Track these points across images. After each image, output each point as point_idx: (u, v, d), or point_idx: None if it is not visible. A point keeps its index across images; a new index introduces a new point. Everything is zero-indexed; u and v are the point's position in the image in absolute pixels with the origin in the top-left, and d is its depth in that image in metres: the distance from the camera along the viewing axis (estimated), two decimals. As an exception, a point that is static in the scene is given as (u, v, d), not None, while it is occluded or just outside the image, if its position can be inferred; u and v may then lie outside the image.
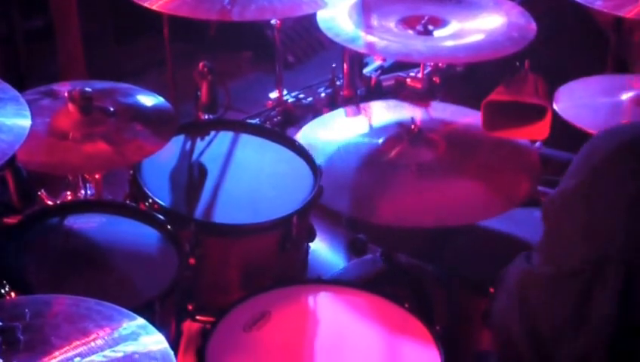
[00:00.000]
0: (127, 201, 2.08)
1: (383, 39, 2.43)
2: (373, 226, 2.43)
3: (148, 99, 2.14)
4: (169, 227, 1.89)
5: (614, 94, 2.31)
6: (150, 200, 2.00)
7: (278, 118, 2.83)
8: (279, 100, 2.85)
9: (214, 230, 1.97)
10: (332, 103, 2.89)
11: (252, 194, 2.08)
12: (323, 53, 4.44)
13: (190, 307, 1.97)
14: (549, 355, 1.29)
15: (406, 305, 1.92)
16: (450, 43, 2.45)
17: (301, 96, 2.87)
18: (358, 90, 2.89)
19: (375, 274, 2.41)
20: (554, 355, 1.29)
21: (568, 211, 1.33)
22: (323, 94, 2.90)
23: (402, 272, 2.44)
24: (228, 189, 2.08)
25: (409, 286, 2.42)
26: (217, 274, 2.03)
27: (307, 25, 4.18)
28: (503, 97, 2.29)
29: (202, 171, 2.12)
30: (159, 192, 2.01)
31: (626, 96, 2.28)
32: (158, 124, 2.02)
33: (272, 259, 2.05)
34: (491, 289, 2.20)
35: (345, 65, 2.85)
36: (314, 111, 2.85)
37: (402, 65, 3.04)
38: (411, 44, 2.41)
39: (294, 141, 2.23)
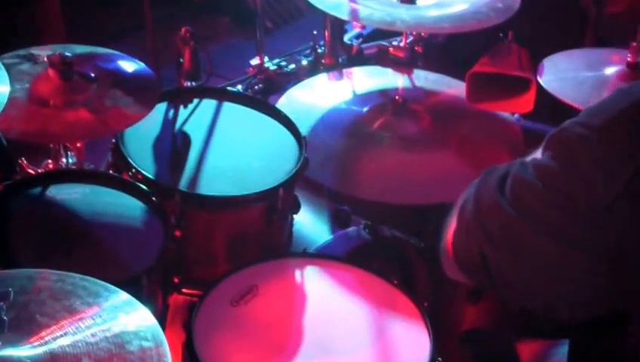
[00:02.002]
0: (110, 171, 2.05)
1: (367, 7, 2.40)
2: (357, 199, 2.42)
3: (129, 65, 2.09)
4: (154, 198, 1.86)
5: (598, 68, 2.30)
6: (133, 170, 1.96)
7: (260, 85, 2.81)
8: (261, 67, 2.82)
9: (200, 202, 1.94)
10: (313, 71, 2.86)
11: (237, 165, 2.05)
12: (301, 19, 4.41)
13: (176, 280, 1.94)
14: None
15: (394, 282, 1.92)
16: (434, 12, 2.43)
17: (283, 63, 2.84)
18: (340, 58, 2.87)
19: (360, 247, 2.40)
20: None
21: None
22: (304, 62, 2.88)
23: (386, 245, 2.45)
24: (212, 160, 2.05)
25: (392, 260, 2.43)
26: (203, 247, 2.00)
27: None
28: (487, 69, 2.28)
29: (186, 141, 2.08)
30: (143, 162, 1.97)
31: (610, 70, 2.28)
32: (141, 91, 1.97)
33: (257, 232, 2.03)
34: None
35: (326, 33, 2.82)
36: (295, 78, 2.83)
37: (382, 32, 3.02)
38: (395, 12, 2.39)
39: (279, 111, 2.20)
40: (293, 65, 2.86)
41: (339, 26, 2.81)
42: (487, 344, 2.06)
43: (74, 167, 2.13)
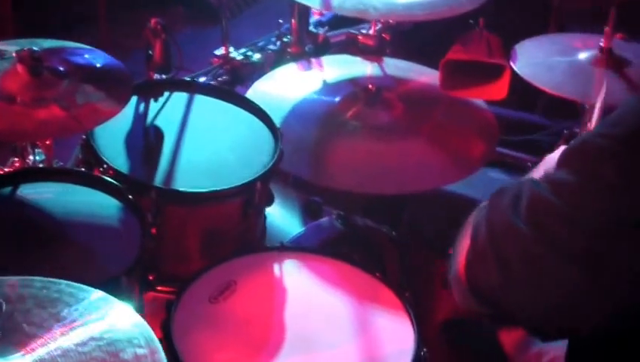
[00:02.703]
0: (79, 167, 1.99)
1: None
2: (328, 189, 2.40)
3: (98, 59, 2.02)
4: (130, 196, 1.81)
5: (571, 54, 2.31)
6: (105, 166, 1.90)
7: (225, 76, 2.76)
8: (226, 57, 2.77)
9: (176, 198, 1.89)
10: (280, 60, 2.82)
11: (212, 158, 2.01)
12: (256, 7, 4.36)
13: (151, 277, 1.90)
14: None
15: (377, 274, 1.90)
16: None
17: (249, 53, 2.79)
18: (307, 47, 2.83)
19: (333, 238, 2.38)
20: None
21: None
22: (270, 51, 2.84)
23: (359, 235, 2.43)
24: (186, 154, 2.00)
25: (365, 250, 2.42)
26: (178, 243, 1.96)
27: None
28: (461, 56, 2.26)
29: (158, 135, 2.03)
30: (115, 158, 1.91)
31: (583, 55, 2.29)
32: (112, 86, 1.91)
33: (233, 226, 1.99)
34: (450, 251, 2.22)
35: (293, 21, 2.79)
36: (262, 68, 2.79)
37: (343, 19, 2.99)
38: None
39: (253, 103, 2.15)
40: (259, 55, 2.83)
41: (305, 14, 2.78)
42: (468, 333, 2.06)
43: (42, 164, 2.07)
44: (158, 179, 1.92)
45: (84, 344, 1.16)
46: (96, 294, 1.28)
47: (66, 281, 1.29)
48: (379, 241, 2.44)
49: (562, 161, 1.19)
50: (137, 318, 1.26)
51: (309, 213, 2.45)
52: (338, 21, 3.08)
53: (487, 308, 1.24)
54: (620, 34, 2.23)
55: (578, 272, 1.13)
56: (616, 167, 1.12)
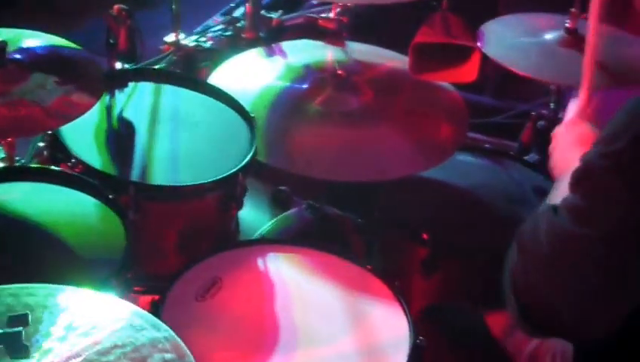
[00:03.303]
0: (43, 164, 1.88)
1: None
2: (297, 177, 2.34)
3: (62, 48, 1.91)
4: (108, 193, 1.72)
5: (537, 34, 2.30)
6: (73, 161, 1.80)
7: (178, 63, 2.66)
8: (177, 44, 2.67)
9: (156, 193, 1.81)
10: (234, 46, 2.74)
11: (188, 151, 1.94)
12: None
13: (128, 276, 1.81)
14: (587, 316, 1.25)
15: (368, 267, 1.86)
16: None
17: (202, 39, 2.70)
18: (261, 33, 2.76)
19: (305, 228, 2.33)
20: (591, 317, 1.24)
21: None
22: (223, 37, 2.76)
23: (329, 224, 2.38)
24: (160, 147, 1.92)
25: (336, 239, 2.38)
26: (156, 241, 1.87)
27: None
28: (430, 39, 2.23)
29: (129, 127, 1.93)
30: (87, 153, 1.82)
31: (549, 36, 2.29)
32: (82, 77, 1.81)
33: (213, 221, 1.92)
34: (425, 236, 2.19)
35: (247, 6, 2.71)
36: (215, 55, 2.70)
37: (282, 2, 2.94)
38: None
39: (224, 91, 2.08)
40: (211, 42, 2.74)
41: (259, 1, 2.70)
42: (453, 318, 2.04)
43: (2, 163, 1.95)
44: (135, 174, 1.83)
45: (107, 352, 1.09)
46: (109, 298, 1.21)
47: (71, 287, 1.21)
48: (346, 230, 2.41)
49: (574, 186, 1.25)
50: (155, 321, 1.20)
51: (277, 203, 2.39)
52: (285, 3, 3.04)
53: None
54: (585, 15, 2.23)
55: (599, 282, 1.19)
56: (625, 184, 1.18)
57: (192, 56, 2.66)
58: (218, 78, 2.32)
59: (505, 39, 2.28)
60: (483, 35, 2.28)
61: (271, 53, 2.46)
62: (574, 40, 2.24)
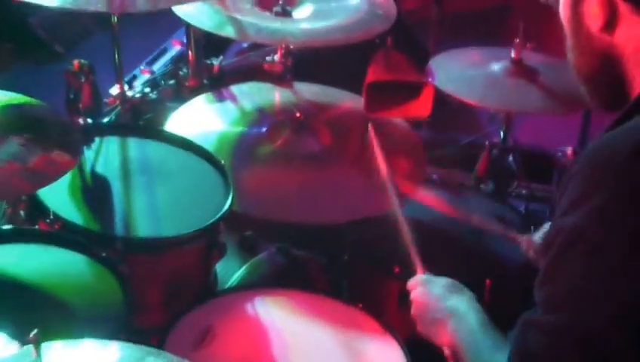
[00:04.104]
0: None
1: (248, 23, 2.33)
2: (260, 222, 2.35)
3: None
4: (101, 252, 1.69)
5: (484, 66, 2.40)
6: (51, 218, 1.76)
7: (126, 115, 2.63)
8: (123, 96, 2.64)
9: (143, 246, 1.79)
10: (178, 95, 2.74)
11: (165, 202, 1.92)
12: (91, 39, 4.22)
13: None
14: None
15: (359, 305, 1.88)
16: (311, 24, 2.41)
17: (146, 90, 2.68)
18: (204, 79, 2.77)
19: (279, 271, 2.33)
20: None
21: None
22: (167, 87, 2.75)
23: (299, 266, 2.39)
24: (138, 200, 1.90)
25: (309, 281, 2.39)
26: (141, 293, 1.82)
27: (69, 12, 3.94)
28: (382, 77, 2.29)
29: (104, 183, 1.90)
30: (66, 211, 1.78)
31: (496, 67, 2.39)
32: (56, 134, 1.77)
33: (195, 270, 1.91)
34: (396, 269, 2.22)
35: (190, 54, 2.71)
36: (161, 104, 2.69)
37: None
38: (283, 27, 2.35)
39: (190, 140, 2.08)
40: (156, 92, 2.72)
41: (202, 45, 2.71)
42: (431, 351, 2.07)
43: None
44: (119, 229, 1.81)
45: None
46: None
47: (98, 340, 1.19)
48: (313, 271, 2.42)
49: (564, 253, 1.21)
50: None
51: (245, 249, 2.38)
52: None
53: None
54: (530, 44, 2.34)
55: None
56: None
57: (139, 107, 2.64)
58: (172, 127, 2.33)
59: (454, 72, 2.38)
60: (432, 69, 2.37)
61: (221, 99, 2.47)
62: (519, 69, 2.36)
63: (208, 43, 3.04)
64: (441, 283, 1.62)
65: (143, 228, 1.82)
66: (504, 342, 1.39)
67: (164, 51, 3.32)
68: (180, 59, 3.10)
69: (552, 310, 1.21)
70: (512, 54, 2.34)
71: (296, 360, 1.74)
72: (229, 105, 2.44)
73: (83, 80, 1.94)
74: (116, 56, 2.58)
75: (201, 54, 2.71)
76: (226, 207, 1.88)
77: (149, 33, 3.42)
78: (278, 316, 1.84)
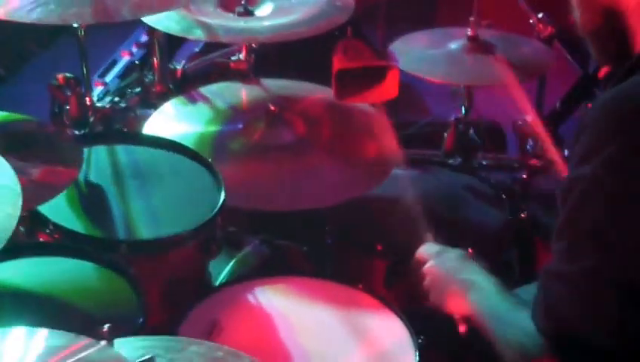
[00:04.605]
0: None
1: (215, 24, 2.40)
2: (245, 216, 2.41)
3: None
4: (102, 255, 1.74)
5: (443, 45, 2.51)
6: (51, 228, 1.81)
7: (99, 126, 2.67)
8: (94, 107, 2.67)
9: (146, 247, 1.85)
10: (145, 102, 2.78)
11: (161, 202, 1.98)
12: (34, 61, 4.22)
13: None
14: None
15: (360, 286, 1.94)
16: (274, 21, 2.47)
17: (116, 99, 2.72)
18: (170, 84, 2.82)
19: (266, 263, 2.40)
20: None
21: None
22: (134, 94, 2.79)
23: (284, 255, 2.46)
24: (135, 203, 1.96)
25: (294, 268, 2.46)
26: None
27: (10, 33, 3.94)
28: (351, 64, 2.37)
29: (98, 190, 1.96)
30: (66, 221, 1.83)
31: (454, 45, 2.50)
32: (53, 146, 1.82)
33: (195, 266, 1.97)
34: (379, 247, 2.31)
35: (155, 60, 2.75)
36: (130, 112, 2.73)
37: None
38: (240, 26, 2.42)
39: (175, 142, 2.14)
40: (124, 100, 2.76)
41: (167, 51, 2.76)
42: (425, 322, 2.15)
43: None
44: (121, 233, 1.86)
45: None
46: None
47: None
48: (296, 259, 2.50)
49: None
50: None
51: (230, 245, 2.44)
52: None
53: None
54: (486, 21, 2.46)
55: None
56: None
57: (109, 117, 2.68)
58: (151, 130, 2.38)
59: (415, 54, 2.48)
60: (393, 52, 2.46)
61: (193, 101, 2.53)
62: (477, 46, 2.47)
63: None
64: (454, 254, 1.68)
65: (144, 230, 1.88)
66: (523, 303, 1.44)
67: (114, 63, 3.36)
68: (131, 69, 3.16)
69: (575, 258, 1.27)
70: (469, 32, 2.45)
71: (306, 342, 1.81)
72: (201, 106, 2.50)
73: (69, 93, 1.97)
74: (84, 68, 2.62)
75: (165, 60, 2.76)
76: (221, 200, 1.95)
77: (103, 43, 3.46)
78: (279, 302, 1.91)
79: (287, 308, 1.90)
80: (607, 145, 1.23)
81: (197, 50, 3.30)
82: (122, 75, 3.21)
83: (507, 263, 2.34)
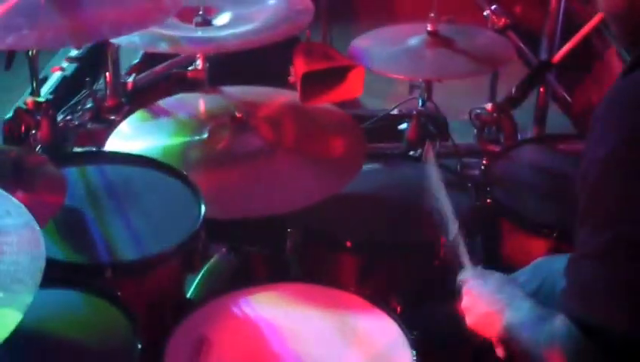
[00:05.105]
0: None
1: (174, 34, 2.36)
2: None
3: None
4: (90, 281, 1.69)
5: (403, 41, 2.50)
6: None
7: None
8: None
9: (131, 269, 1.80)
10: (97, 117, 2.72)
11: (141, 221, 1.92)
12: None
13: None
14: None
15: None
16: (234, 29, 2.43)
17: (68, 117, 2.65)
18: (122, 98, 2.76)
19: (236, 271, 2.37)
20: None
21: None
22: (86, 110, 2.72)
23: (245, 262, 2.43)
24: (115, 224, 1.90)
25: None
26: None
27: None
28: (315, 67, 2.36)
29: (75, 213, 1.89)
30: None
31: (414, 41, 2.49)
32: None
33: (178, 282, 1.94)
34: (348, 243, 2.30)
35: (107, 74, 2.70)
36: (83, 129, 2.67)
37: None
38: (204, 36, 2.38)
39: (147, 158, 2.10)
40: (71, 117, 2.70)
41: (119, 65, 2.70)
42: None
43: None
44: (103, 257, 1.81)
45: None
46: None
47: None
48: (257, 265, 2.48)
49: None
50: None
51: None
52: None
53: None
54: (446, 17, 2.47)
55: None
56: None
57: (63, 134, 2.60)
58: (114, 148, 2.33)
59: (376, 51, 2.47)
60: (354, 51, 2.46)
61: (154, 115, 2.48)
62: (437, 40, 2.48)
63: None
64: (493, 276, 1.65)
65: (127, 251, 1.83)
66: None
67: (45, 79, 3.27)
68: (64, 84, 3.10)
69: (600, 233, 1.28)
70: (429, 27, 2.45)
71: (299, 349, 1.78)
72: (163, 119, 2.45)
73: (39, 116, 1.91)
74: (34, 85, 2.56)
75: (118, 73, 2.71)
76: (202, 213, 1.91)
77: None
78: (267, 311, 1.87)
79: (275, 315, 1.86)
80: (621, 128, 1.27)
81: (137, 61, 3.25)
82: (54, 92, 3.13)
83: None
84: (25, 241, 1.22)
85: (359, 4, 4.08)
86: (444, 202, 1.82)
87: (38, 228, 1.26)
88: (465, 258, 1.77)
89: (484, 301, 1.60)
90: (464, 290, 1.67)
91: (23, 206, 1.29)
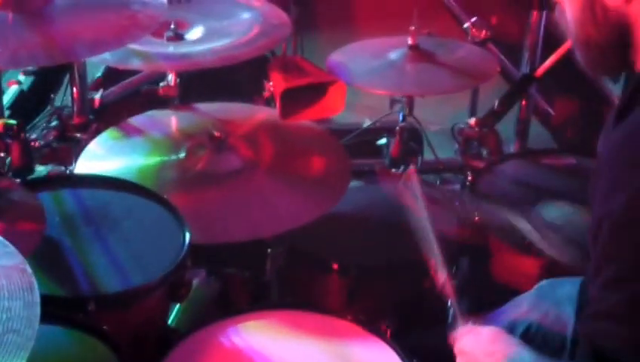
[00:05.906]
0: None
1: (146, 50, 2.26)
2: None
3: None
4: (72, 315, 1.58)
5: (383, 55, 2.44)
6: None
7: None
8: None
9: (117, 301, 1.69)
10: (64, 136, 2.60)
11: (122, 248, 1.81)
12: None
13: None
14: None
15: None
16: (207, 44, 2.34)
17: (33, 137, 2.52)
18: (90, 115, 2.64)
19: (218, 294, 2.27)
20: None
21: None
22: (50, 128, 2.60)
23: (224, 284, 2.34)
24: (95, 253, 1.79)
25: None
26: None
27: None
28: (295, 83, 2.28)
29: (52, 243, 1.77)
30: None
31: (394, 55, 2.43)
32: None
33: (162, 312, 1.84)
34: (335, 266, 2.23)
35: (75, 91, 2.57)
36: (49, 149, 2.54)
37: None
38: (178, 51, 2.29)
39: (125, 181, 1.98)
40: (35, 137, 2.56)
41: (86, 81, 2.58)
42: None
43: None
44: (85, 289, 1.69)
45: None
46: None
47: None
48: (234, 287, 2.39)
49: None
50: None
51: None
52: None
53: None
54: (426, 31, 2.41)
55: None
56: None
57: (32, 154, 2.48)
58: (84, 169, 2.21)
59: (356, 65, 2.40)
60: (333, 66, 2.38)
61: (126, 133, 2.37)
62: (417, 53, 2.42)
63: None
64: (484, 331, 1.59)
65: (110, 282, 1.72)
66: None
67: None
68: (21, 99, 2.98)
69: (617, 289, 1.24)
70: (409, 41, 2.39)
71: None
72: (136, 138, 2.35)
73: (10, 140, 1.79)
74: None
75: (85, 90, 2.59)
76: (187, 240, 1.81)
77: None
78: (256, 340, 1.79)
79: (266, 345, 1.77)
80: (635, 177, 1.21)
81: (99, 75, 3.13)
82: (11, 107, 3.00)
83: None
84: (16, 284, 1.11)
85: (319, 14, 4.03)
86: (432, 248, 1.77)
87: (30, 269, 1.15)
88: (455, 310, 1.71)
89: (479, 358, 1.55)
90: (456, 349, 1.61)
91: (9, 244, 1.18)
